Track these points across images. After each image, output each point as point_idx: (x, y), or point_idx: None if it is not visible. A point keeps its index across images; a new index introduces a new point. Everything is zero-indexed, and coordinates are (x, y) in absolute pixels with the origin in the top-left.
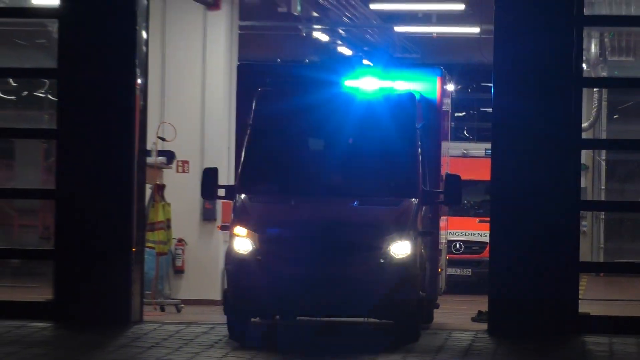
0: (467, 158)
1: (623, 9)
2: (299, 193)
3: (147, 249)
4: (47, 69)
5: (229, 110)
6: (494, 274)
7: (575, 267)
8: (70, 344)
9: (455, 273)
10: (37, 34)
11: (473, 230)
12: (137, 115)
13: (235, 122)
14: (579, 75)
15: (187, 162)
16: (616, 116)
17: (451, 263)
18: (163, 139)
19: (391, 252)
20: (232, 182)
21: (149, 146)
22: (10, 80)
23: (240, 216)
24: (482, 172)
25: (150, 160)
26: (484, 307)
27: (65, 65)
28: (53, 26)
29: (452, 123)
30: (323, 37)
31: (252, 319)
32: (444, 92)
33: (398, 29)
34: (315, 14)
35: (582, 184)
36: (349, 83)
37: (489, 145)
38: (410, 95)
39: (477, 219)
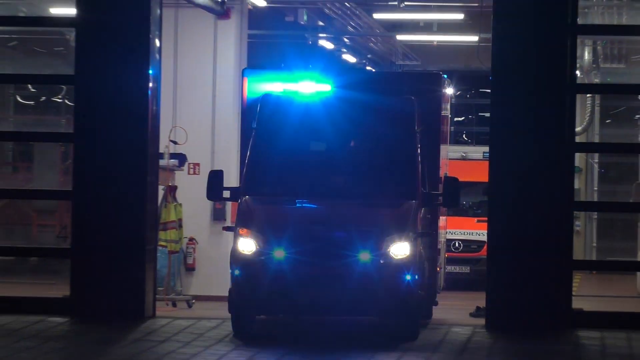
0: (466, 161)
1: (615, 18)
2: (302, 195)
3: (160, 248)
4: (64, 75)
5: (238, 115)
6: (492, 271)
7: (569, 265)
8: (86, 338)
9: (455, 270)
10: (55, 42)
11: (471, 230)
12: (150, 120)
13: (240, 125)
14: (572, 82)
15: (198, 164)
16: (608, 121)
17: (450, 261)
18: (175, 143)
19: (391, 253)
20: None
21: (161, 149)
22: (29, 86)
23: (245, 217)
24: (480, 174)
25: (162, 162)
26: (482, 303)
27: (81, 72)
28: (70, 35)
29: (452, 127)
30: (328, 45)
31: (256, 317)
32: (443, 97)
33: (400, 37)
34: (321, 23)
35: (576, 186)
36: (350, 88)
37: (486, 149)
38: (409, 100)
39: (476, 219)
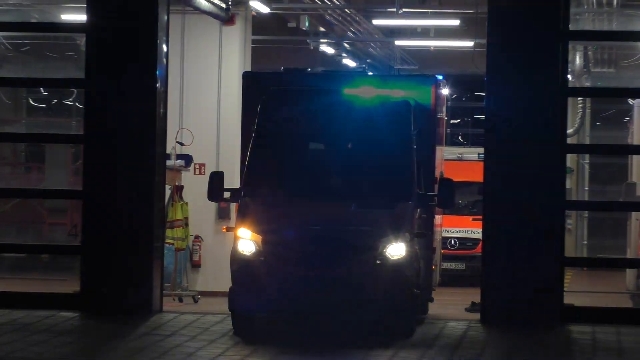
0: (462, 161)
1: (605, 24)
2: (301, 196)
3: (167, 245)
4: (75, 79)
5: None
6: (486, 268)
7: (560, 262)
8: (95, 333)
9: (451, 267)
10: (66, 47)
11: (467, 228)
12: (157, 122)
13: (241, 127)
14: (564, 86)
15: (203, 164)
16: (599, 123)
17: (447, 258)
18: (182, 144)
19: (387, 254)
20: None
21: (168, 150)
22: (41, 90)
23: (244, 218)
24: (475, 174)
25: (169, 163)
26: (477, 299)
27: (91, 76)
28: (81, 40)
29: (448, 129)
30: (329, 50)
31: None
32: (438, 100)
33: (399, 42)
34: (322, 29)
35: (567, 185)
36: (348, 91)
37: (481, 150)
38: (405, 103)
39: (471, 217)
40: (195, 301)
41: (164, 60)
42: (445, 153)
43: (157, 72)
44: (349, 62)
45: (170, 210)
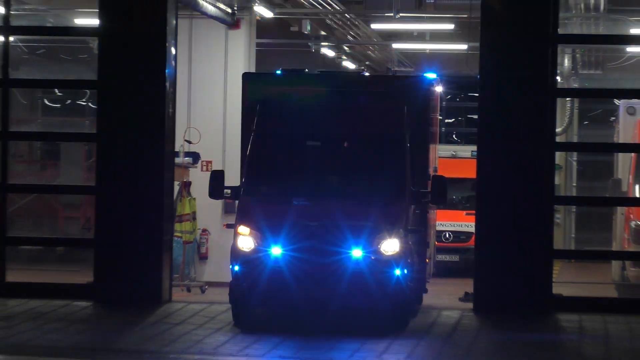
0: (456, 159)
1: (592, 28)
2: (298, 194)
3: (176, 238)
4: (88, 80)
5: None
6: (479, 259)
7: (549, 254)
8: (108, 321)
9: (445, 259)
10: (80, 50)
11: (461, 222)
12: (166, 121)
13: (241, 126)
14: (553, 87)
15: (210, 162)
16: (586, 122)
17: (441, 250)
18: (189, 142)
19: (381, 250)
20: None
21: (177, 148)
22: (56, 91)
23: (244, 216)
24: (469, 171)
25: (178, 160)
26: (470, 289)
27: (104, 77)
28: (94, 43)
29: (443, 128)
30: (330, 53)
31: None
32: (431, 99)
33: (396, 46)
34: (323, 33)
35: (556, 182)
36: (343, 92)
37: (475, 148)
38: (399, 103)
39: (465, 212)
40: (203, 291)
41: (173, 62)
42: (440, 151)
43: (166, 74)
44: (349, 64)
45: (178, 205)
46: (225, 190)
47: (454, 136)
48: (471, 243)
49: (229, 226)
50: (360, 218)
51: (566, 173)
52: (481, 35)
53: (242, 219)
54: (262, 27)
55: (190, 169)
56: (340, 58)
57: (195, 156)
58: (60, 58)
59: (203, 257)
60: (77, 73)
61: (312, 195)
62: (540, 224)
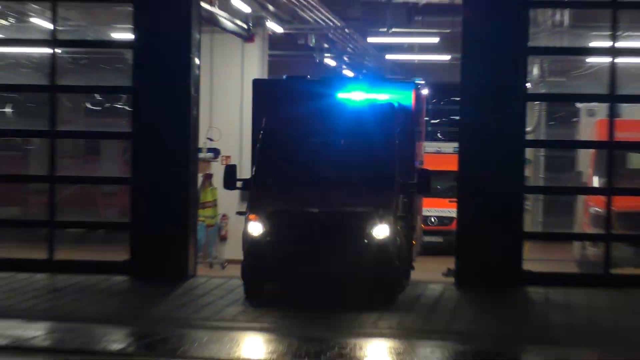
0: (441, 154)
1: (557, 41)
2: (301, 186)
3: (199, 222)
4: (124, 86)
5: None
6: (460, 240)
7: (520, 236)
8: (142, 293)
9: (431, 240)
10: (116, 59)
11: (444, 208)
12: (191, 121)
13: (252, 125)
14: (524, 92)
15: (229, 156)
16: (552, 123)
17: (427, 233)
18: (211, 140)
19: (373, 234)
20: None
21: (200, 144)
22: (96, 95)
23: (254, 204)
24: (451, 164)
25: (201, 155)
26: (452, 266)
27: (137, 84)
28: (128, 54)
29: (429, 127)
30: (332, 63)
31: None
32: (418, 102)
33: (389, 56)
34: (325, 45)
35: (526, 174)
36: (341, 95)
37: (456, 145)
38: (390, 105)
39: (448, 200)
40: (223, 268)
41: (197, 70)
42: (426, 147)
43: (191, 81)
44: (348, 72)
45: (202, 193)
46: (238, 182)
47: (438, 134)
48: (453, 226)
49: (240, 214)
50: (355, 207)
51: (535, 166)
52: (462, 47)
53: (252, 207)
54: (274, 41)
55: (212, 162)
56: (341, 67)
57: (216, 151)
58: (99, 67)
59: (223, 238)
60: (114, 80)
61: (313, 186)
62: (513, 210)
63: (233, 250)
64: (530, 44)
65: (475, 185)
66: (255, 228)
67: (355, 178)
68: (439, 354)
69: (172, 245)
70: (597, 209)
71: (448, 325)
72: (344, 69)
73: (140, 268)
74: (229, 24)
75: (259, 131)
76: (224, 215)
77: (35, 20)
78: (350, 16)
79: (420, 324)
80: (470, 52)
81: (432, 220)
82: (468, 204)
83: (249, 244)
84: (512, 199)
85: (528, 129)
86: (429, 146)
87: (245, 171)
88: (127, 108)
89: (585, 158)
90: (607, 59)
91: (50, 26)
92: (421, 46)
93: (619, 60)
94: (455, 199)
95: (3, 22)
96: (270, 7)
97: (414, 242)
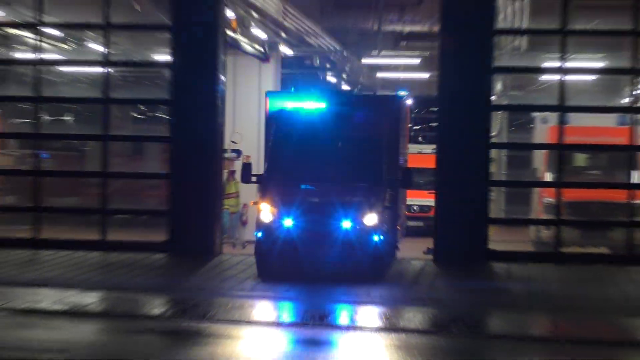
0: (422, 154)
1: (517, 62)
2: (305, 181)
3: (224, 210)
4: (163, 99)
5: None
6: (437, 225)
7: (486, 221)
8: (177, 267)
9: (413, 225)
10: (157, 77)
11: (424, 199)
12: (217, 127)
13: (265, 130)
14: (489, 103)
15: (249, 156)
16: (512, 128)
17: (410, 219)
18: (234, 142)
19: (364, 222)
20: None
21: (225, 146)
22: (140, 106)
23: (265, 196)
24: (430, 163)
25: (226, 155)
26: (431, 245)
27: (174, 97)
28: (167, 72)
29: (412, 132)
30: (333, 80)
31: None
32: (402, 111)
33: (379, 74)
34: (327, 65)
35: (491, 170)
36: (337, 106)
37: (434, 146)
38: (378, 114)
39: (427, 191)
40: (244, 247)
41: (222, 86)
42: (410, 149)
43: (217, 94)
44: (346, 87)
45: (227, 186)
46: (253, 177)
47: (420, 138)
48: (432, 213)
49: (254, 203)
50: (349, 199)
51: (498, 164)
52: (439, 67)
53: (264, 198)
54: (285, 61)
55: (234, 161)
56: (340, 83)
57: (238, 152)
58: (143, 83)
59: (244, 223)
60: (155, 94)
61: (314, 181)
62: (480, 199)
63: (252, 233)
64: (495, 64)
65: (450, 179)
66: (266, 215)
67: (349, 175)
68: (420, 318)
69: (202, 228)
70: (549, 199)
71: (428, 294)
72: (343, 84)
73: (176, 247)
74: (248, 48)
75: (270, 134)
76: (244, 205)
77: (91, 45)
78: (348, 42)
79: (404, 293)
80: (445, 71)
81: (415, 208)
82: (444, 195)
83: (261, 228)
84: (479, 191)
85: (493, 133)
86: (412, 148)
87: (263, 168)
88: (165, 116)
89: (539, 157)
90: (557, 77)
91: (103, 50)
92: (405, 66)
93: (567, 77)
94: (433, 191)
95: (65, 46)
96: (283, 34)
97: (398, 227)
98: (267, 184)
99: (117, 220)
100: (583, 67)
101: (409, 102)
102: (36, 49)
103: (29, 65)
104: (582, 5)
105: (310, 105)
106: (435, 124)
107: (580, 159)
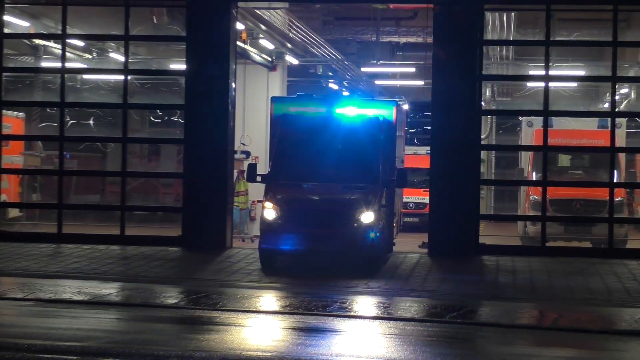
0: (417, 155)
1: (504, 70)
2: (306, 180)
3: (235, 206)
4: (178, 104)
5: None
6: (432, 220)
7: (477, 217)
8: (191, 260)
9: (409, 221)
10: (173, 84)
11: (420, 196)
12: (228, 130)
13: (270, 134)
14: (479, 108)
15: (257, 157)
16: (501, 131)
17: (407, 215)
18: (244, 144)
19: (361, 220)
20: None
21: (235, 148)
22: (158, 111)
23: (269, 195)
24: (425, 163)
25: (236, 156)
26: (426, 239)
27: (189, 102)
28: (182, 80)
29: (408, 135)
30: (335, 87)
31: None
32: (399, 115)
33: (377, 82)
34: (330, 73)
35: (481, 170)
36: (337, 110)
37: (429, 148)
38: (376, 118)
39: (422, 190)
40: (252, 241)
41: (233, 93)
42: (406, 150)
43: (229, 100)
44: (347, 93)
45: (237, 185)
46: (258, 177)
47: (415, 140)
48: (426, 210)
49: (259, 202)
50: (348, 197)
51: (487, 164)
52: (432, 75)
53: (268, 196)
54: (291, 70)
55: (244, 161)
56: (342, 90)
57: (248, 153)
58: (160, 90)
59: (253, 219)
60: (171, 100)
61: (316, 181)
62: (471, 197)
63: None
64: (484, 72)
65: (443, 178)
66: (269, 213)
67: (348, 175)
68: (416, 307)
69: (214, 224)
70: (535, 196)
71: (422, 286)
72: (344, 91)
73: (189, 242)
74: (257, 58)
75: (275, 137)
76: (253, 202)
77: (112, 55)
78: (349, 52)
79: (401, 284)
80: (438, 79)
81: (411, 205)
82: (438, 192)
83: (265, 226)
84: (470, 189)
85: (482, 136)
86: (408, 149)
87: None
88: (180, 120)
89: (525, 158)
90: (542, 84)
91: (123, 59)
92: (402, 74)
93: (551, 84)
94: (428, 189)
95: (88, 55)
96: (289, 45)
97: (394, 224)
98: (270, 183)
99: (135, 217)
100: (566, 75)
101: (405, 107)
102: (61, 58)
103: (55, 73)
104: (565, 18)
105: (312, 109)
106: (429, 127)
107: (564, 159)
